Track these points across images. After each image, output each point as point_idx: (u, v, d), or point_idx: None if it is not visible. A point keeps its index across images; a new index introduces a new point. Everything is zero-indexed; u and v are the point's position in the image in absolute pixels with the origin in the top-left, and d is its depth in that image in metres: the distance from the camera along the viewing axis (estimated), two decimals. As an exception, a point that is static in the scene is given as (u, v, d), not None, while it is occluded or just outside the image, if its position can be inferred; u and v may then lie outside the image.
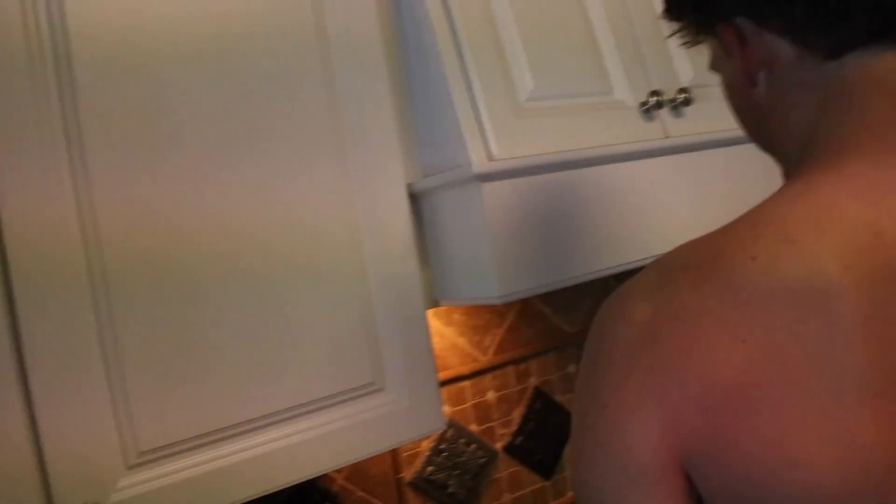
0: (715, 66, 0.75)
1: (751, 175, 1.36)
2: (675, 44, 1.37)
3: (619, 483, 0.58)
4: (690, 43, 0.74)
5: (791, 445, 0.54)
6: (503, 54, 1.20)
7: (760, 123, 0.70)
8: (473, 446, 1.57)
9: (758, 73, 0.67)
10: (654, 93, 1.31)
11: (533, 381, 1.67)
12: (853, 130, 0.61)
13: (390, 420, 1.13)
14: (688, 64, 1.40)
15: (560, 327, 1.73)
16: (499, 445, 1.61)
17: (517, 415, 1.64)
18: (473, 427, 1.57)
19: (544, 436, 1.67)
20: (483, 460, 1.58)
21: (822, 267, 0.55)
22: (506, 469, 1.62)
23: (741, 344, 0.55)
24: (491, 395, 1.60)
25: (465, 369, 1.57)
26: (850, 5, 0.60)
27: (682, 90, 1.35)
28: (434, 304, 1.23)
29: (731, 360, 0.55)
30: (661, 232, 1.27)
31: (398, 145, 1.17)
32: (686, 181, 1.31)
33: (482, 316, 1.62)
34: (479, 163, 1.10)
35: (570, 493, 1.70)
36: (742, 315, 0.55)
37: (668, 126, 1.33)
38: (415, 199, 1.21)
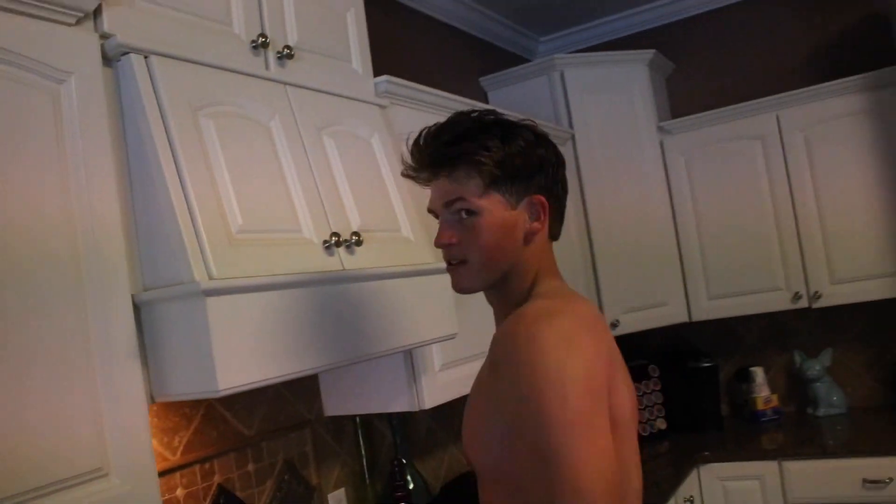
0: (473, 206, 1.21)
1: (405, 299, 1.78)
2: (347, 198, 1.76)
3: (596, 404, 1.08)
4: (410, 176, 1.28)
5: (623, 389, 1.19)
6: (219, 195, 1.48)
7: (515, 257, 1.23)
8: (162, 541, 1.70)
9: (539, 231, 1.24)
10: (334, 234, 1.67)
11: (217, 478, 1.86)
12: (551, 268, 1.28)
13: (112, 504, 1.28)
14: (357, 214, 1.79)
15: (239, 430, 1.95)
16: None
17: (202, 511, 1.81)
18: (163, 524, 1.72)
19: (226, 529, 1.86)
20: (171, 554, 1.72)
21: (595, 313, 1.24)
22: (191, 562, 1.77)
23: (604, 339, 1.20)
24: (180, 492, 1.76)
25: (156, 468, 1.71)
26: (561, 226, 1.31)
27: (355, 233, 1.73)
28: (151, 400, 1.41)
29: (606, 345, 1.18)
30: (350, 341, 1.61)
31: (126, 264, 1.37)
32: (361, 303, 1.67)
33: (171, 418, 1.79)
34: (203, 281, 1.35)
35: (246, 582, 1.88)
36: (595, 329, 1.17)
37: (345, 261, 1.69)
38: (137, 308, 1.41)
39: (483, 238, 1.20)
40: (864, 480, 2.88)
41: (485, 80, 3.47)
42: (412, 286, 1.86)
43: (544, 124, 3.02)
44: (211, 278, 1.37)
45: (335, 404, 2.22)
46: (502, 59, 3.68)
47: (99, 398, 1.29)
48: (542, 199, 1.23)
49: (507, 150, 1.20)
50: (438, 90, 2.37)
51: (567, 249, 3.16)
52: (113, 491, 1.28)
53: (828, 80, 3.22)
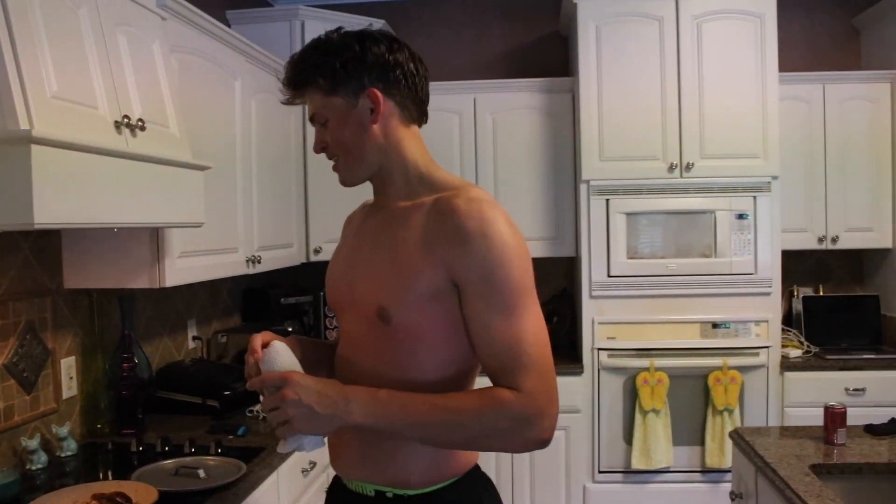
0: (323, 115, 1.40)
1: (167, 184, 2.08)
2: (133, 90, 2.02)
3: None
4: (290, 102, 1.43)
5: None
6: (37, 57, 1.68)
7: (379, 149, 1.41)
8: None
9: (380, 120, 1.39)
10: (125, 116, 1.93)
11: (-31, 324, 2.00)
12: (431, 159, 1.46)
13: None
14: (140, 105, 2.05)
15: (-11, 288, 2.09)
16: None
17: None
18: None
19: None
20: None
21: None
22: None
23: None
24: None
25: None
26: (421, 109, 1.45)
27: (140, 119, 1.99)
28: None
29: None
30: (126, 208, 1.98)
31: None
32: (136, 180, 1.94)
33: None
34: (31, 130, 1.56)
35: (42, 408, 2.05)
36: None
37: (129, 141, 1.95)
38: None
39: (336, 138, 1.40)
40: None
41: (231, 14, 3.72)
42: (174, 175, 2.16)
43: (282, 64, 3.39)
44: (32, 128, 1.59)
45: (75, 278, 2.41)
46: (243, -5, 3.95)
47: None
48: (374, 91, 1.36)
49: (329, 61, 1.36)
50: (207, 14, 2.64)
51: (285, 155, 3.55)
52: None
53: (517, 77, 3.97)
